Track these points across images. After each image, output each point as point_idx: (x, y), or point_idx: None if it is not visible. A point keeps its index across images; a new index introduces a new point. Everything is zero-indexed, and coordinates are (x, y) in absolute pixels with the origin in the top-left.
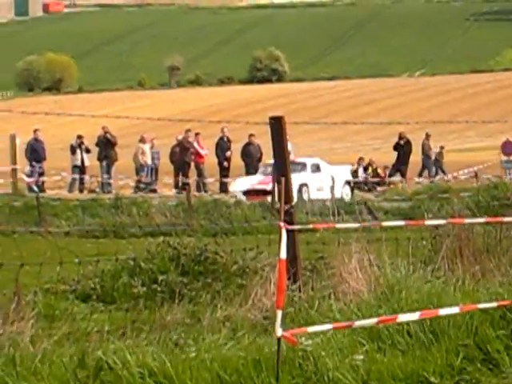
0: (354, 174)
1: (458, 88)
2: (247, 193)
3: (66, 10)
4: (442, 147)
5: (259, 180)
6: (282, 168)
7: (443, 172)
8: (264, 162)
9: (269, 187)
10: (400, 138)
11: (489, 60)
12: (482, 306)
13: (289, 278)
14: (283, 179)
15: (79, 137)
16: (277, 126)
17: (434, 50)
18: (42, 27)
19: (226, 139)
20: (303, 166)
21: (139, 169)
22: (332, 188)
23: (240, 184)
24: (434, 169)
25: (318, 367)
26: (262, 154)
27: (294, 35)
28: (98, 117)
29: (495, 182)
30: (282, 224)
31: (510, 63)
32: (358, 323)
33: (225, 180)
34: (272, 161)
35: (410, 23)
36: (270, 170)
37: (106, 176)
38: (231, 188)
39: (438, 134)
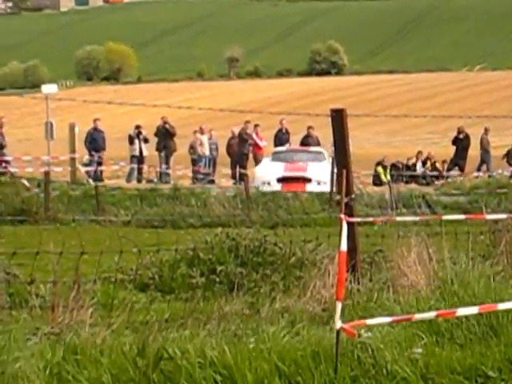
0: (413, 167)
1: None
2: (283, 180)
3: (126, 0)
4: None
5: (293, 167)
6: (343, 160)
7: None
8: (274, 150)
9: (307, 174)
10: (459, 132)
11: None
12: None
13: (347, 271)
14: (344, 171)
15: (137, 127)
16: (338, 118)
17: (495, 44)
18: (101, 17)
19: (284, 131)
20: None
21: (197, 159)
22: (389, 181)
23: (270, 172)
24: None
25: (376, 360)
26: (320, 146)
27: (354, 28)
28: (160, 106)
29: None
30: (342, 216)
31: None
32: (417, 316)
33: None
34: (280, 148)
35: (469, 16)
36: (297, 157)
37: (164, 166)
38: (260, 175)
39: (496, 129)
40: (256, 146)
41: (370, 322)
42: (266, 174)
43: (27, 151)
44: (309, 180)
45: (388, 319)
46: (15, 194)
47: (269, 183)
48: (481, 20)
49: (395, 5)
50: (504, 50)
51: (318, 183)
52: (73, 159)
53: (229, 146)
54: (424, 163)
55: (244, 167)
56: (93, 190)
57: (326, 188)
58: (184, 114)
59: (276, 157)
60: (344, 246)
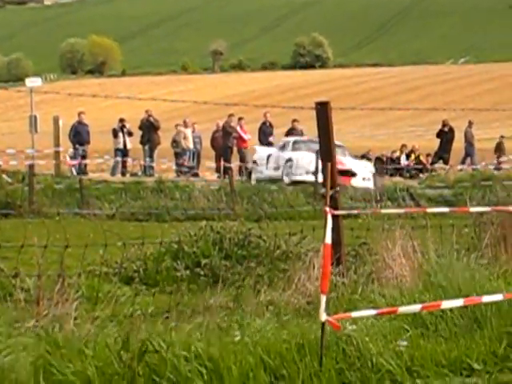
0: (397, 160)
1: (502, 76)
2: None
3: None
4: (502, 137)
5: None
6: (328, 153)
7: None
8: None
9: (353, 169)
10: (443, 125)
11: None
12: None
13: (332, 264)
14: (329, 164)
15: (121, 120)
16: (323, 111)
17: (479, 38)
18: (85, 10)
19: (268, 124)
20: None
21: (181, 153)
22: (375, 174)
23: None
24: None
25: (361, 352)
26: None
27: (338, 21)
28: (145, 99)
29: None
30: (327, 209)
31: None
32: (402, 309)
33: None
34: (298, 138)
35: (454, 10)
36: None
37: (148, 159)
38: (304, 164)
39: (480, 122)
40: (240, 139)
41: (354, 314)
42: (311, 163)
43: (11, 144)
44: (354, 174)
45: (373, 312)
46: None
47: (314, 173)
48: (465, 14)
49: None
50: (487, 43)
51: (363, 179)
52: (57, 152)
53: (213, 139)
54: (408, 156)
55: (228, 160)
56: (77, 184)
57: (370, 184)
58: (168, 107)
59: (297, 146)
60: (329, 239)
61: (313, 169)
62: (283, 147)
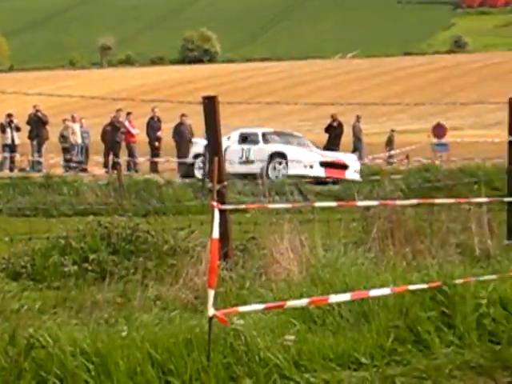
0: None
1: (390, 70)
2: (326, 165)
3: None
4: (392, 131)
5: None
6: (215, 148)
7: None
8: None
9: (346, 161)
10: (332, 119)
11: (421, 43)
12: (412, 287)
13: (220, 258)
14: (216, 159)
15: (9, 115)
16: (210, 105)
17: (367, 33)
18: None
19: (156, 119)
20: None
21: (69, 148)
22: (262, 168)
23: (309, 155)
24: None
25: (249, 347)
26: (193, 134)
27: (226, 16)
28: (32, 95)
29: (426, 164)
30: (214, 203)
31: (441, 46)
32: (290, 303)
33: (155, 160)
34: (265, 130)
35: (342, 5)
36: (296, 141)
37: (36, 154)
38: (301, 158)
39: (368, 117)
40: (128, 133)
41: (242, 309)
42: (308, 157)
43: None
44: (346, 167)
45: (260, 306)
46: None
47: (311, 166)
48: (354, 9)
49: None
50: (376, 38)
51: (354, 171)
52: None
53: (104, 133)
54: None
55: (116, 155)
56: None
57: (357, 176)
58: (56, 102)
59: (267, 138)
60: (216, 234)
61: (312, 161)
62: (245, 140)
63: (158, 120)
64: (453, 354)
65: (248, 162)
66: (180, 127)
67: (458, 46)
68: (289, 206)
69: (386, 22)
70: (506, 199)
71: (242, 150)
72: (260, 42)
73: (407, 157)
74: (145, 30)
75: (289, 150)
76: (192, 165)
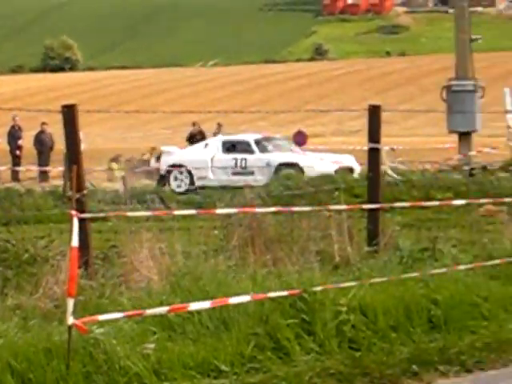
0: (147, 163)
1: (251, 78)
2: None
3: None
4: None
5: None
6: (74, 156)
7: None
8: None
9: (352, 164)
10: (194, 127)
11: (282, 50)
12: (272, 294)
13: (80, 267)
14: (75, 167)
15: None
16: (69, 114)
17: (228, 41)
18: None
19: (17, 128)
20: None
21: None
22: (124, 177)
23: (319, 163)
24: None
25: (108, 355)
26: (53, 142)
27: (87, 24)
28: None
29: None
30: (73, 212)
31: (303, 53)
32: (149, 311)
33: (17, 168)
34: (256, 136)
35: (204, 13)
36: (286, 145)
37: None
38: (314, 165)
39: (229, 124)
40: None
41: (101, 317)
42: (322, 164)
43: None
44: (353, 171)
45: (120, 315)
46: None
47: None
48: (215, 17)
49: (130, 0)
50: (236, 46)
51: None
52: None
53: None
54: (158, 158)
55: None
56: None
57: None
58: None
59: (262, 146)
60: (75, 242)
61: (327, 169)
62: (233, 149)
63: (19, 129)
64: (313, 361)
65: (245, 172)
66: (41, 135)
67: (318, 54)
68: (148, 213)
69: (247, 30)
70: (366, 206)
71: (235, 159)
72: (120, 50)
73: None
74: (4, 39)
75: (300, 159)
76: (165, 176)
